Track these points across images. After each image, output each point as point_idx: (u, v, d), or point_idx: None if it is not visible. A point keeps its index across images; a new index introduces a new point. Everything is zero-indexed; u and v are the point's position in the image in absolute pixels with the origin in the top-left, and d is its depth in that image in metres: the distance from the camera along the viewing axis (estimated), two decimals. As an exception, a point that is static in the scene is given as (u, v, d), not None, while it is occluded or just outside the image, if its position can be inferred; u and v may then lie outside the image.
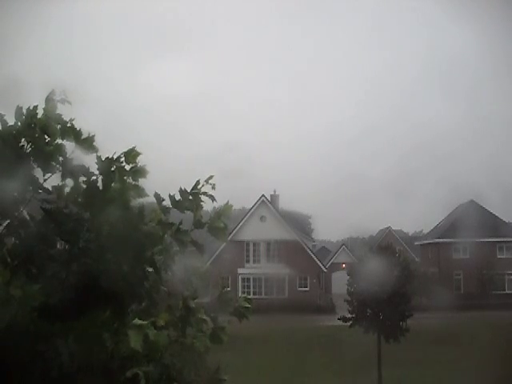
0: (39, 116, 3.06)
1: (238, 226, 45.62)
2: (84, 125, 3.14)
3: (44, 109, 3.07)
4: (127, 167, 3.06)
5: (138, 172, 3.08)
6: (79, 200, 3.04)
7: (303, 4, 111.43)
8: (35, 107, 3.05)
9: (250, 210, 47.70)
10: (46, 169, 3.05)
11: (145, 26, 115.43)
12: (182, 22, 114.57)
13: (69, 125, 3.08)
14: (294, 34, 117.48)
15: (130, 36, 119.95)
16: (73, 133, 3.07)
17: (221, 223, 3.21)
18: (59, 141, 3.08)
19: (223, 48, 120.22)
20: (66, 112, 3.14)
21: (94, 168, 3.04)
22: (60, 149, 3.06)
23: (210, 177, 3.17)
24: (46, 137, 3.06)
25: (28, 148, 3.03)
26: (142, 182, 3.13)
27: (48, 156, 3.02)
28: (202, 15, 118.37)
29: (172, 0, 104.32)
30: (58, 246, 3.08)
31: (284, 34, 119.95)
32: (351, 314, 25.71)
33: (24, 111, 3.04)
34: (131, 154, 3.07)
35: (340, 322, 26.10)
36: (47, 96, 3.08)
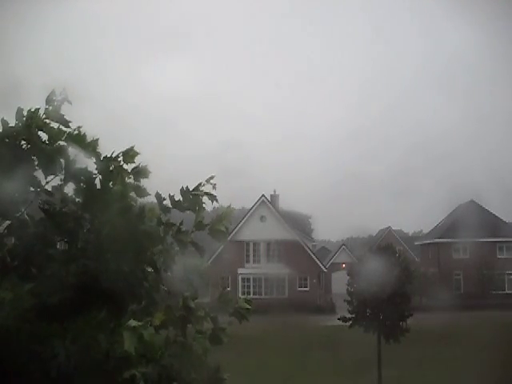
0: (39, 117, 3.02)
1: (238, 226, 45.61)
2: (84, 125, 3.12)
3: (45, 111, 3.03)
4: (126, 167, 3.05)
5: (140, 172, 3.07)
6: (78, 200, 3.03)
7: (303, 4, 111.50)
8: (37, 109, 3.02)
9: (250, 210, 47.70)
10: (48, 170, 3.02)
11: (144, 26, 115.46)
12: (182, 22, 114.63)
13: (76, 132, 3.02)
14: (294, 34, 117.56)
15: (129, 35, 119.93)
16: (80, 139, 3.02)
17: (222, 226, 3.20)
18: (61, 143, 3.04)
19: (223, 47, 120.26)
20: (66, 112, 3.13)
21: (93, 168, 3.03)
22: (61, 151, 3.03)
23: (211, 177, 3.15)
24: (47, 138, 3.03)
25: (26, 148, 2.99)
26: (142, 181, 3.12)
27: (49, 157, 2.99)
28: (202, 14, 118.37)
29: (172, 0, 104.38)
30: (58, 247, 3.08)
31: (284, 34, 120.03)
32: (351, 313, 25.70)
33: (25, 113, 3.01)
34: (129, 154, 3.05)
35: (340, 322, 26.09)
36: (48, 97, 3.05)
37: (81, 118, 3.19)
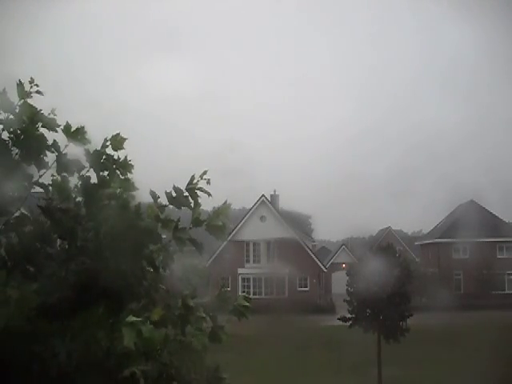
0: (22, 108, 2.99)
1: (238, 226, 45.64)
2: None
3: (24, 100, 3.00)
4: (116, 156, 3.04)
5: (123, 165, 3.06)
6: (76, 197, 3.02)
7: (302, 5, 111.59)
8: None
9: (250, 210, 47.73)
10: (39, 164, 3.01)
11: (144, 26, 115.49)
12: (182, 22, 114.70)
13: (51, 116, 3.04)
14: (294, 34, 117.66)
15: (129, 36, 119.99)
16: (55, 124, 3.03)
17: (219, 222, 3.18)
18: (41, 131, 3.02)
19: (224, 48, 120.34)
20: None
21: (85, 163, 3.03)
22: (44, 139, 3.02)
23: (205, 172, 3.13)
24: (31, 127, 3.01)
25: (13, 141, 2.98)
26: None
27: (37, 146, 2.98)
28: (203, 15, 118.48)
29: (172, 0, 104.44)
30: (58, 245, 3.07)
31: (284, 35, 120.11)
32: (351, 314, 25.71)
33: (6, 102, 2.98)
34: (117, 139, 3.05)
35: (340, 322, 26.09)
36: (18, 89, 3.00)
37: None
